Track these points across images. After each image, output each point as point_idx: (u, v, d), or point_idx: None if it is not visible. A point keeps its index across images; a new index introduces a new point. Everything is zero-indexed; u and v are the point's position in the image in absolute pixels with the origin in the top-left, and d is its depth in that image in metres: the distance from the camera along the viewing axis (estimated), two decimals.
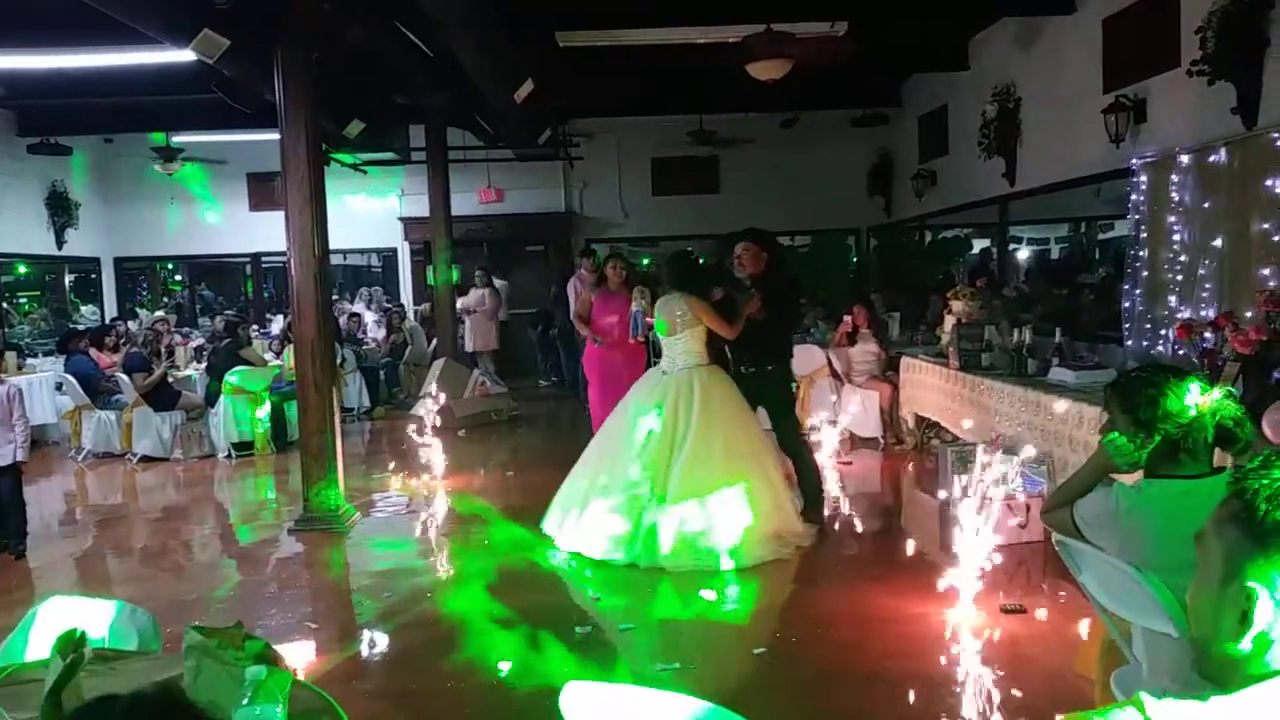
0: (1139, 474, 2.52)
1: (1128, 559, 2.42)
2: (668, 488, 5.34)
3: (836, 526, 6.38)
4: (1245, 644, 1.19)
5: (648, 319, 6.41)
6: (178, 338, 11.45)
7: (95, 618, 2.40)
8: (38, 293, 14.03)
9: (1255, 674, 1.19)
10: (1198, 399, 2.41)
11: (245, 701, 1.72)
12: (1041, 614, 4.45)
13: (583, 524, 5.56)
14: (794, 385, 6.07)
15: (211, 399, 9.28)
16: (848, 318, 8.87)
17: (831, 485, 7.46)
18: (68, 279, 14.01)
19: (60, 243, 12.76)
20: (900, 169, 12.72)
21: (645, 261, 14.08)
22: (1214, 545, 1.25)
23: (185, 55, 6.88)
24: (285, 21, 6.14)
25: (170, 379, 9.41)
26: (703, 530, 5.26)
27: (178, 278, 16.60)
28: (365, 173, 13.12)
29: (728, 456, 5.38)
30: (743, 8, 7.63)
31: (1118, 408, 2.52)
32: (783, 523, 5.53)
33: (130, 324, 12.45)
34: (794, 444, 6.02)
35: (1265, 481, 1.21)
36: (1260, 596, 1.17)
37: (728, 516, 5.28)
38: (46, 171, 12.44)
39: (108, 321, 12.70)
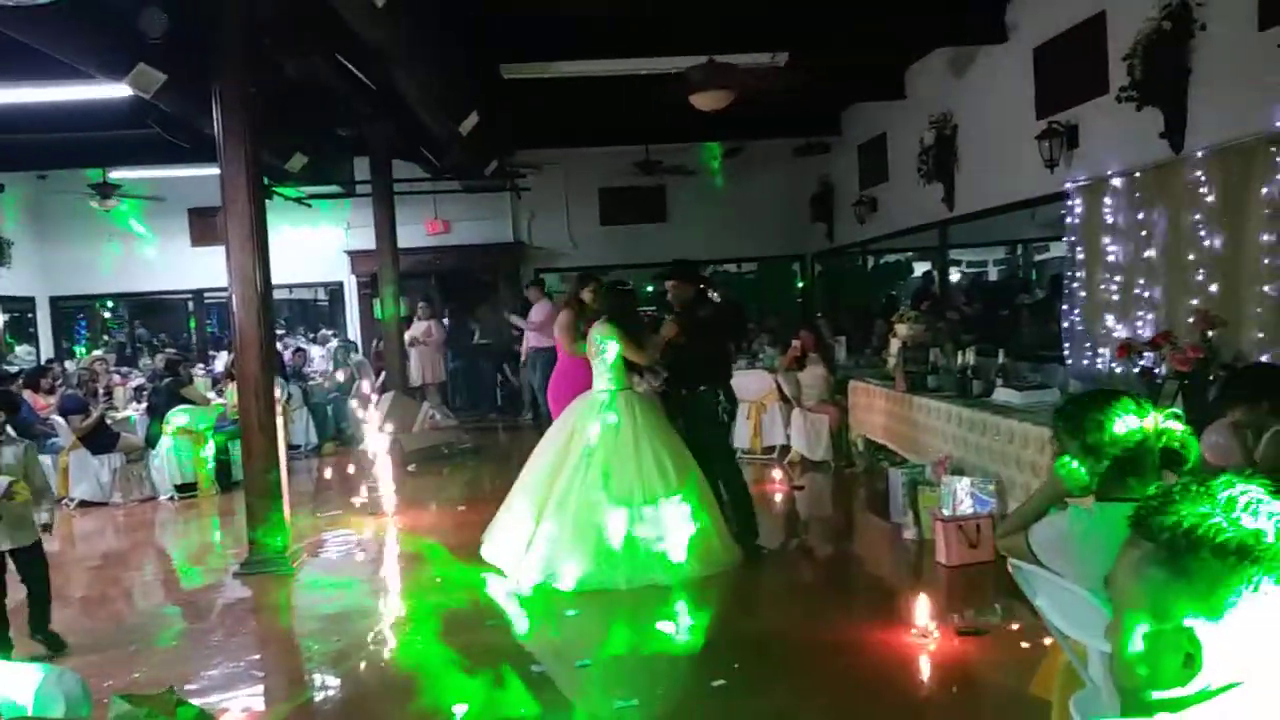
0: (1092, 498, 2.55)
1: (1084, 583, 2.43)
2: (574, 513, 5.51)
3: (790, 552, 6.39)
4: (1194, 686, 1.16)
5: None
6: (116, 377, 11.15)
7: (18, 684, 2.29)
8: None
9: (1197, 700, 1.17)
10: (1143, 422, 2.44)
11: None
12: (997, 636, 4.49)
13: (508, 546, 5.75)
14: (722, 409, 6.14)
15: (152, 440, 9.04)
16: (795, 342, 8.96)
17: (783, 510, 7.49)
18: (0, 319, 13.60)
19: None
20: (842, 196, 12.89)
21: None
22: (1134, 590, 1.21)
23: (121, 90, 6.76)
24: (223, 54, 6.07)
25: (108, 420, 9.16)
26: (593, 555, 5.41)
27: (108, 314, 16.17)
28: (309, 206, 12.96)
29: (638, 481, 5.53)
30: (685, 39, 7.71)
31: (1065, 433, 2.55)
32: (695, 548, 5.54)
33: (68, 364, 12.11)
34: (723, 469, 6.09)
35: (1174, 519, 1.18)
36: (1204, 636, 1.14)
37: (616, 542, 5.42)
38: None
39: (44, 362, 12.34)
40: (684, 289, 6.28)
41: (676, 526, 5.52)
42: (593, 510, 5.49)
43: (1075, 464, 2.48)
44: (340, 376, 12.21)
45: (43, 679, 2.37)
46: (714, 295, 7.11)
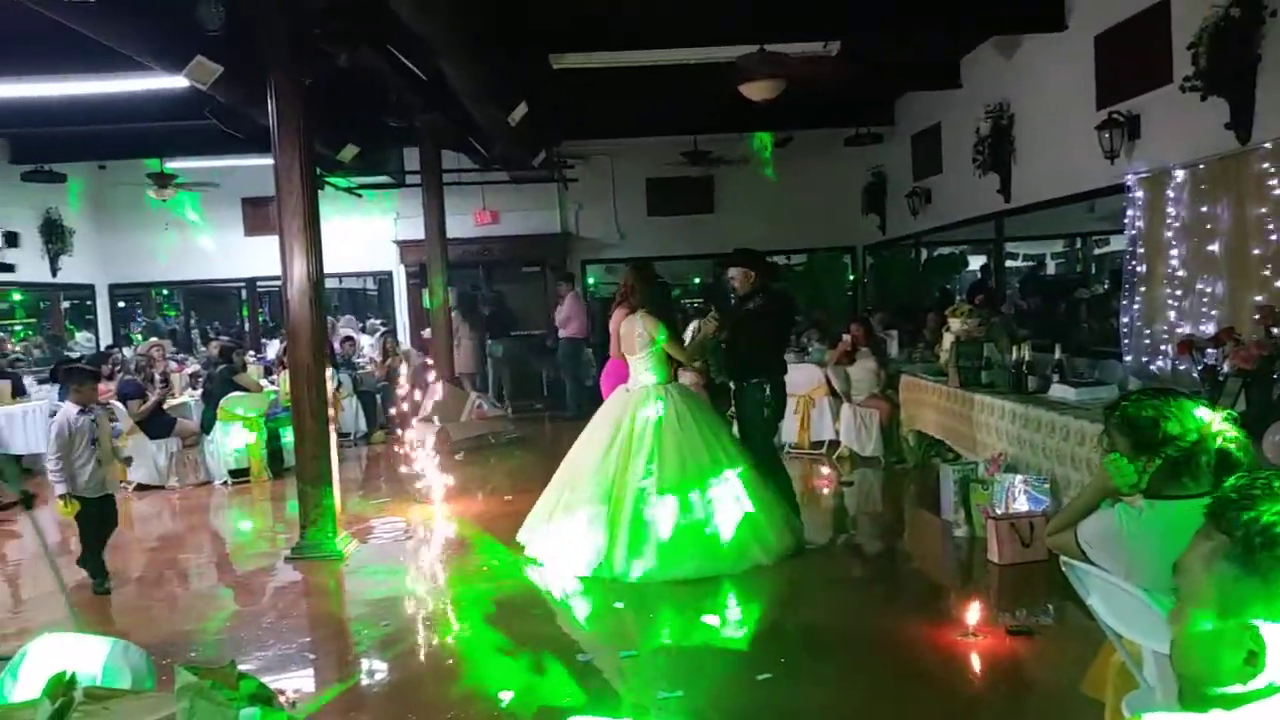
0: (1140, 496, 2.50)
1: (1133, 580, 2.39)
2: (625, 504, 5.47)
3: (838, 548, 6.33)
4: (1257, 683, 1.14)
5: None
6: (172, 364, 11.37)
7: (88, 655, 2.35)
8: (32, 320, 13.98)
9: (1256, 697, 1.15)
10: (1199, 422, 2.39)
11: None
12: (1049, 636, 4.41)
13: (551, 536, 5.74)
14: (767, 406, 5.99)
15: (207, 426, 9.22)
16: (846, 336, 8.87)
17: (831, 506, 7.43)
18: (63, 306, 13.96)
19: (55, 270, 12.74)
20: (895, 187, 12.74)
21: None
22: (1203, 581, 1.20)
23: (178, 82, 6.89)
24: (277, 47, 6.14)
25: (165, 406, 9.35)
26: (659, 547, 5.36)
27: (160, 299, 16.48)
28: (360, 196, 13.11)
29: (680, 474, 5.48)
30: (736, 29, 7.65)
31: (1118, 431, 2.51)
32: (748, 537, 5.52)
33: (125, 350, 12.39)
34: (765, 465, 5.96)
35: (1253, 514, 1.17)
36: (1270, 637, 1.13)
37: (682, 533, 5.39)
38: (41, 199, 12.43)
39: (103, 349, 12.64)
40: (745, 278, 6.10)
41: (728, 516, 5.49)
42: (643, 502, 5.46)
43: (1125, 461, 2.45)
44: (404, 365, 12.37)
45: (110, 652, 2.43)
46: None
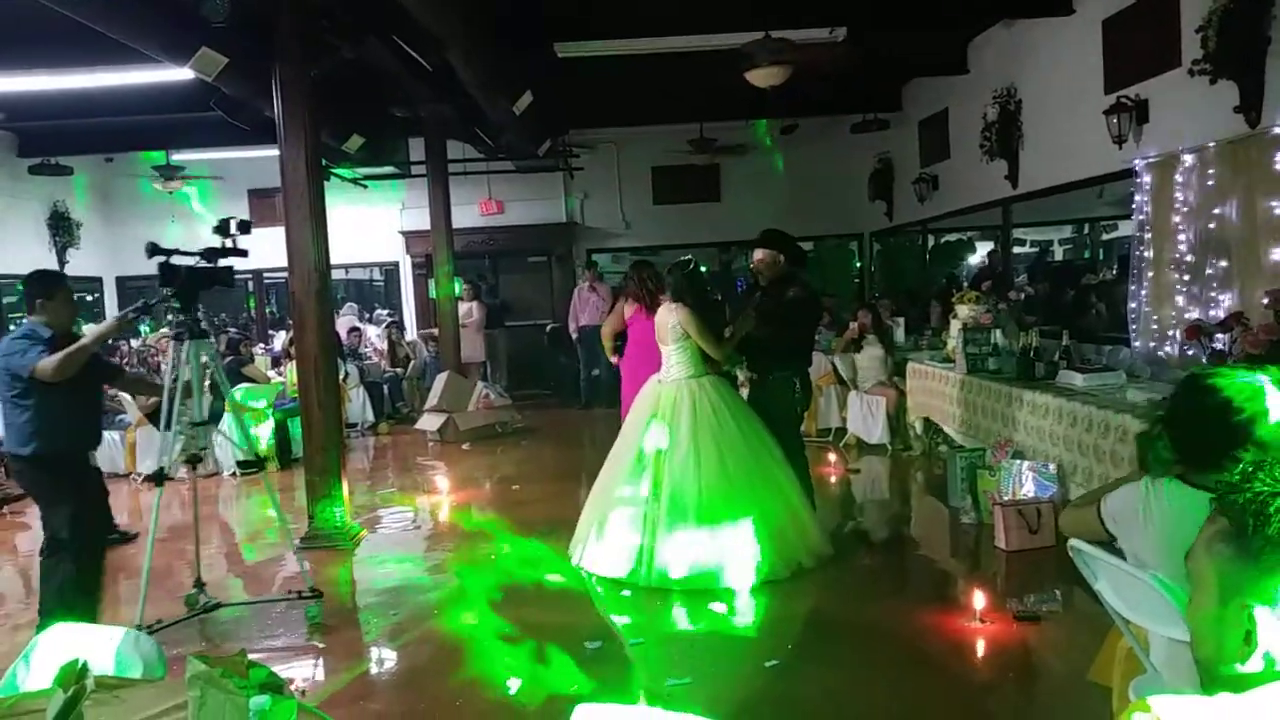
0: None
1: (1145, 557, 2.37)
2: (664, 506, 5.17)
3: (846, 535, 6.34)
4: (1253, 664, 1.17)
5: None
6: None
7: (99, 645, 2.36)
8: None
9: (1264, 680, 1.17)
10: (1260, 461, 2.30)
11: None
12: (1056, 621, 4.41)
13: (598, 545, 5.43)
14: (798, 397, 5.73)
15: (215, 417, 9.23)
16: (853, 324, 8.87)
17: (839, 493, 7.43)
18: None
19: (62, 263, 12.76)
20: (902, 173, 12.69)
21: None
22: (1205, 564, 1.23)
23: (184, 74, 6.89)
24: (282, 38, 6.14)
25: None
26: (701, 548, 5.07)
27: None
28: (366, 187, 13.12)
29: (722, 470, 5.18)
30: (741, 15, 7.62)
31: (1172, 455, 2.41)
32: (792, 537, 5.29)
33: (133, 343, 12.42)
34: (795, 461, 5.66)
35: (1249, 496, 1.18)
36: (1261, 616, 1.15)
37: (726, 533, 5.09)
38: (48, 192, 12.46)
39: (110, 341, 12.66)
40: (775, 263, 5.75)
41: (775, 517, 5.24)
42: (683, 501, 5.15)
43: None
44: (427, 354, 12.41)
45: (121, 642, 2.45)
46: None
